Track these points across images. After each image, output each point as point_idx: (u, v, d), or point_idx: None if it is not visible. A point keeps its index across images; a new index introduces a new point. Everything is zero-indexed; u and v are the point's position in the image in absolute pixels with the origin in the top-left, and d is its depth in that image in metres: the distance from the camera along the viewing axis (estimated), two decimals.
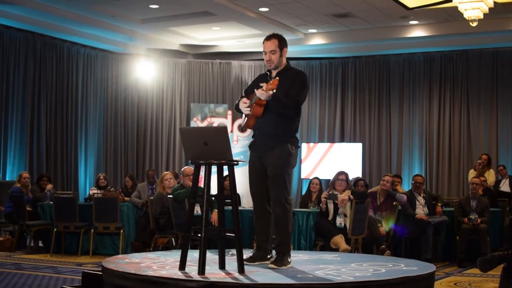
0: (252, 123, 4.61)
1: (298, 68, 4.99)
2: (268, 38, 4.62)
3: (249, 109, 4.54)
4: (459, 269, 7.94)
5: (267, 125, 4.56)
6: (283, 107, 4.48)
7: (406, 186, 12.48)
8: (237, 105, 4.71)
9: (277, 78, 4.40)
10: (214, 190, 4.30)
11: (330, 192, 7.61)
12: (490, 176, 10.66)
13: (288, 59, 4.78)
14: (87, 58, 13.21)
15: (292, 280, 3.80)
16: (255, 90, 4.50)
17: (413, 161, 13.32)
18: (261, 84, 4.44)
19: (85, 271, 4.69)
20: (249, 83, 5.21)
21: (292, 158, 4.60)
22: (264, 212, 4.65)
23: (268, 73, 4.73)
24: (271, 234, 4.70)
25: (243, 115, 4.72)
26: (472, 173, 10.72)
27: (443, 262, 8.56)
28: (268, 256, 4.66)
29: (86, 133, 13.07)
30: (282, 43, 4.61)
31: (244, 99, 4.61)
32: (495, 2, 9.35)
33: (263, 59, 4.76)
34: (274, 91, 4.33)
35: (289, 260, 4.50)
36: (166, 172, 8.98)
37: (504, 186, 10.68)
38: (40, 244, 9.69)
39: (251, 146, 4.74)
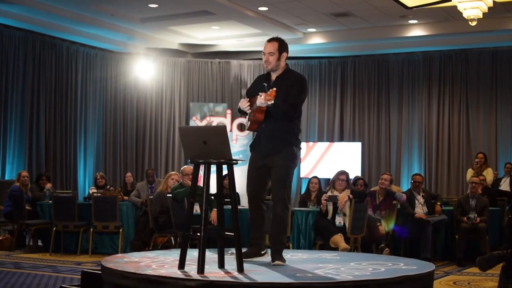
0: (255, 128, 4.69)
1: (297, 70, 5.04)
2: (270, 40, 4.70)
3: (249, 108, 4.62)
4: (458, 268, 7.94)
5: (272, 129, 4.62)
6: (282, 113, 4.56)
7: (405, 185, 12.48)
8: (239, 107, 4.79)
9: (275, 89, 4.41)
10: (213, 189, 4.30)
11: (330, 192, 7.61)
12: (488, 175, 10.63)
13: (288, 58, 4.79)
14: (86, 57, 13.19)
15: (291, 279, 3.79)
16: (258, 94, 4.56)
17: (412, 160, 13.30)
18: (260, 94, 4.47)
19: (85, 270, 4.69)
20: (248, 82, 5.23)
21: (296, 159, 4.74)
22: (261, 211, 4.74)
23: (267, 75, 4.77)
24: (265, 231, 4.78)
25: (247, 117, 4.78)
26: (470, 172, 10.70)
27: (443, 261, 8.57)
28: (262, 252, 4.74)
29: (85, 132, 13.06)
30: (282, 48, 4.67)
31: (243, 99, 4.71)
32: (494, 2, 9.34)
33: (262, 58, 4.78)
34: (272, 102, 4.37)
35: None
36: (173, 172, 9.08)
37: (505, 185, 10.65)
38: (40, 243, 9.68)
39: (253, 147, 4.80)
